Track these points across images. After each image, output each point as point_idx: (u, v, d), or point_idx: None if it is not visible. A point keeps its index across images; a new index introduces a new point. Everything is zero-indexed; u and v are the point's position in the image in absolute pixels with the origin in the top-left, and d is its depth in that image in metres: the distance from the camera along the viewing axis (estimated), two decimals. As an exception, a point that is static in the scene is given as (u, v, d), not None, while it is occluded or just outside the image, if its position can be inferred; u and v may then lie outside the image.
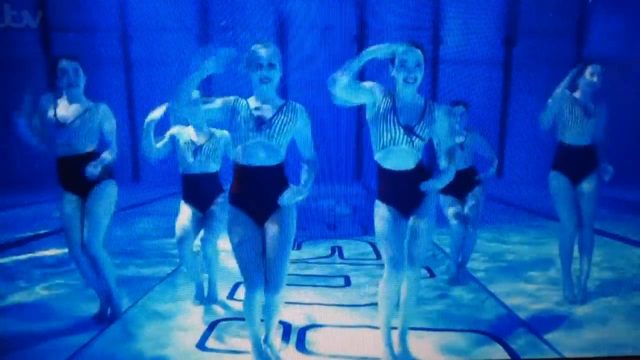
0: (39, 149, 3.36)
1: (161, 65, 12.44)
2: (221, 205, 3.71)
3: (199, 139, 3.70)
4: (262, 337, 2.87)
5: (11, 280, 4.51)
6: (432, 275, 4.65)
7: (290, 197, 2.58)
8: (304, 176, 2.74)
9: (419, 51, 2.62)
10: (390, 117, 2.66)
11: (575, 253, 3.88)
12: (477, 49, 12.91)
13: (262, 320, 2.82)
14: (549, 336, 3.21)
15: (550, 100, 3.73)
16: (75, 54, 3.37)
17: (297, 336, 3.26)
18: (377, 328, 2.96)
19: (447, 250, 4.73)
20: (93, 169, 3.14)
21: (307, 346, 3.12)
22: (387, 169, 2.73)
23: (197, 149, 3.67)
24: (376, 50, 2.55)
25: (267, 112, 2.64)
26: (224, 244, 3.43)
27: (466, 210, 4.27)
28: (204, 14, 12.92)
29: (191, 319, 3.57)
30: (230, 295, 4.07)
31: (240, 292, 4.09)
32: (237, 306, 3.76)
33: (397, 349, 2.86)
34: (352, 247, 5.83)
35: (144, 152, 3.58)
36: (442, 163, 4.04)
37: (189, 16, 12.84)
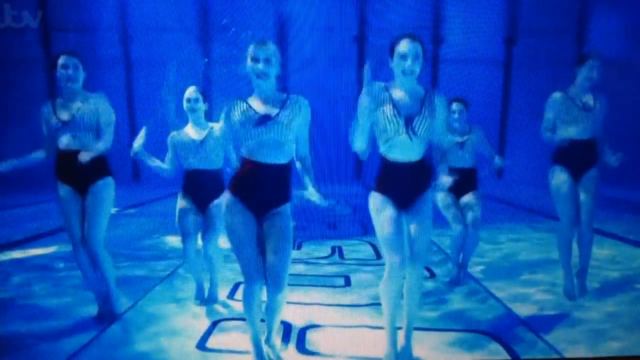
0: (43, 159, 3.40)
1: (161, 65, 12.44)
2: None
3: (198, 135, 3.71)
4: (264, 337, 2.87)
5: (11, 280, 4.51)
6: (432, 275, 4.65)
7: (316, 200, 2.63)
8: (307, 178, 2.74)
9: (417, 43, 2.63)
10: (390, 110, 2.66)
11: (575, 250, 3.88)
12: (478, 48, 12.92)
13: (262, 321, 2.83)
14: (549, 336, 3.21)
15: (545, 111, 3.75)
16: (75, 50, 3.40)
17: (298, 336, 3.26)
18: (377, 328, 2.96)
19: (448, 251, 4.73)
20: (85, 156, 3.20)
21: (307, 346, 3.12)
22: (392, 161, 2.72)
23: (198, 146, 3.68)
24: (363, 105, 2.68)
25: (272, 108, 2.64)
26: (224, 243, 3.43)
27: (466, 212, 4.26)
28: (204, 14, 12.93)
29: (191, 319, 3.57)
30: (231, 295, 4.08)
31: (241, 292, 4.09)
32: (238, 306, 3.76)
33: (399, 348, 2.85)
34: (352, 247, 5.83)
35: (161, 174, 3.74)
36: (450, 159, 4.07)
37: (189, 16, 12.85)
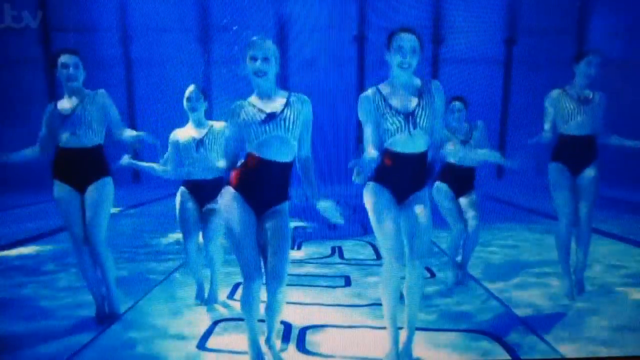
0: (38, 156, 3.41)
1: (161, 65, 12.45)
2: None
3: (199, 133, 3.71)
4: (264, 337, 2.87)
5: (11, 280, 4.51)
6: (432, 275, 4.65)
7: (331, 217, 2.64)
8: (310, 184, 2.73)
9: (414, 37, 2.63)
10: (388, 111, 2.67)
11: (574, 249, 3.89)
12: (478, 48, 12.92)
13: (262, 321, 2.82)
14: (549, 336, 3.21)
15: (545, 109, 3.76)
16: (75, 49, 3.41)
17: (298, 336, 3.26)
18: (377, 328, 2.96)
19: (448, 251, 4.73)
20: (128, 132, 3.42)
21: (307, 346, 3.12)
22: (397, 152, 2.70)
23: (198, 143, 3.68)
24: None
25: (276, 106, 2.64)
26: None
27: (466, 212, 4.26)
28: (204, 14, 12.93)
29: (191, 319, 3.57)
30: (231, 295, 4.08)
31: (241, 292, 4.09)
32: (238, 306, 3.73)
33: (400, 348, 2.85)
34: (352, 247, 5.83)
35: (162, 176, 3.78)
36: (453, 157, 4.03)
37: (189, 17, 12.85)
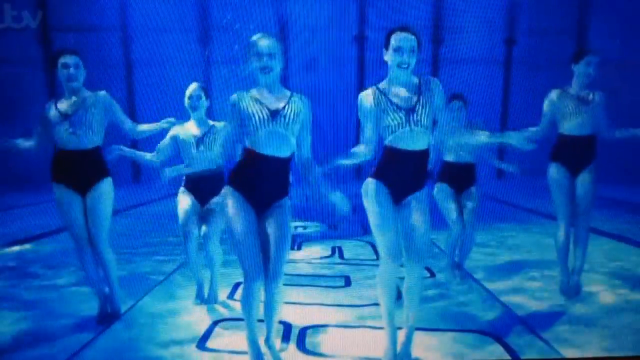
0: (33, 153, 3.41)
1: (161, 65, 12.45)
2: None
3: (199, 131, 3.71)
4: (263, 338, 2.87)
5: (11, 280, 4.51)
6: (432, 275, 4.65)
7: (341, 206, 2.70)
8: (314, 182, 2.74)
9: (413, 37, 2.64)
10: (389, 107, 2.67)
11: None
12: (478, 48, 12.92)
13: (262, 321, 2.83)
14: (548, 336, 3.21)
15: (543, 109, 3.76)
16: (75, 49, 3.41)
17: (298, 336, 3.26)
18: (377, 328, 2.96)
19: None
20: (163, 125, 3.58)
21: (307, 346, 3.12)
22: (399, 149, 2.70)
23: (198, 141, 3.68)
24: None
25: (278, 102, 2.65)
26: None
27: (464, 210, 4.26)
28: (204, 14, 12.93)
29: (191, 318, 3.57)
30: (231, 296, 4.08)
31: (241, 292, 4.09)
32: (238, 306, 3.73)
33: (399, 348, 2.85)
34: (352, 247, 5.83)
35: (151, 165, 3.76)
36: (450, 155, 4.03)
37: (189, 17, 12.85)
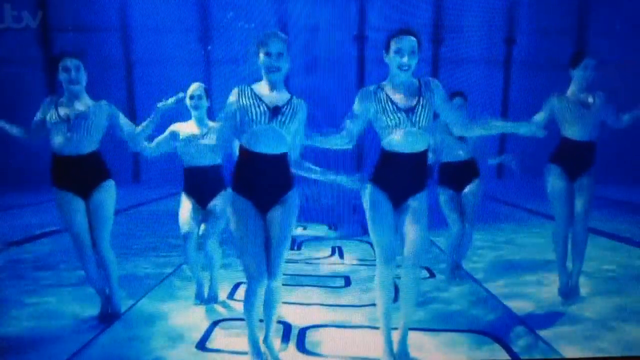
0: (28, 145, 3.41)
1: (162, 65, 12.44)
2: (223, 200, 3.72)
3: (199, 131, 3.71)
4: (262, 338, 2.87)
5: (11, 280, 4.51)
6: (432, 275, 4.65)
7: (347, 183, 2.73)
8: (313, 170, 2.80)
9: (413, 38, 2.64)
10: (389, 107, 2.67)
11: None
12: (478, 48, 12.92)
13: (261, 321, 2.83)
14: (549, 336, 3.21)
15: (543, 106, 3.76)
16: (77, 51, 3.40)
17: (298, 336, 3.26)
18: (377, 328, 2.96)
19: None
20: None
21: (307, 346, 3.12)
22: (395, 152, 2.70)
23: (198, 140, 3.69)
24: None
25: (278, 100, 2.66)
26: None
27: (464, 207, 4.27)
28: (205, 14, 12.92)
29: (191, 319, 3.57)
30: (231, 296, 4.08)
31: (241, 292, 4.10)
32: (238, 306, 3.76)
33: (396, 348, 2.86)
34: (352, 247, 5.83)
35: (143, 152, 3.66)
36: (445, 154, 4.04)
37: (189, 16, 12.85)
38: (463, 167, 4.27)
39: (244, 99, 2.64)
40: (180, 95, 3.53)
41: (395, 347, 2.86)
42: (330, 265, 5.09)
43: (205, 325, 3.45)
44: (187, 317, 3.60)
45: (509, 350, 3.04)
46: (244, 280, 2.74)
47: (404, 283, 2.78)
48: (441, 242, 5.16)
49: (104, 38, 12.63)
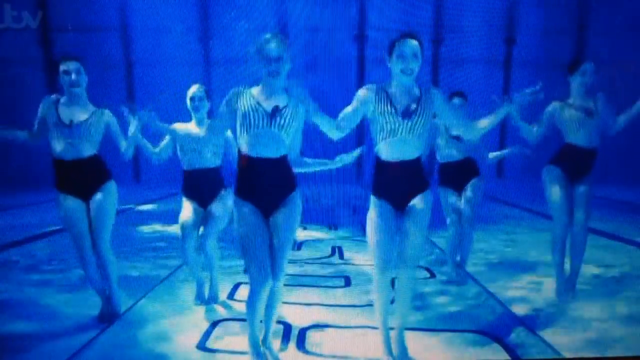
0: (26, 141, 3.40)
1: (162, 65, 12.44)
2: (222, 202, 3.72)
3: (199, 132, 3.71)
4: (261, 338, 2.87)
5: (11, 280, 4.51)
6: (432, 275, 4.65)
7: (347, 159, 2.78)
8: (315, 162, 2.84)
9: (415, 42, 2.63)
10: (388, 109, 2.66)
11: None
12: (478, 47, 12.92)
13: (261, 321, 2.83)
14: (549, 336, 3.21)
15: (542, 116, 3.77)
16: (76, 54, 3.39)
17: (298, 336, 3.26)
18: (377, 328, 2.96)
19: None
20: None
21: (307, 346, 3.12)
22: (387, 161, 2.71)
23: (197, 143, 3.68)
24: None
25: (277, 103, 2.65)
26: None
27: (463, 208, 4.27)
28: (205, 14, 12.92)
29: (192, 319, 3.57)
30: (231, 296, 4.08)
31: (241, 293, 4.10)
32: (238, 306, 3.76)
33: (395, 349, 2.86)
34: (352, 247, 5.83)
35: (150, 159, 3.70)
36: (442, 155, 4.06)
37: (189, 17, 12.84)
38: (463, 167, 4.28)
39: (241, 102, 2.64)
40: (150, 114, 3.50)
41: (394, 347, 2.86)
42: (330, 265, 5.09)
43: (205, 325, 3.45)
44: (187, 317, 3.60)
45: (509, 350, 3.04)
46: (244, 280, 2.74)
47: (400, 283, 2.79)
48: (441, 242, 5.16)
49: (104, 38, 12.63)
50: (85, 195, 3.38)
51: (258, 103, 2.63)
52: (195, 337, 3.23)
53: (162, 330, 3.36)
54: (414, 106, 2.67)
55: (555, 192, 3.78)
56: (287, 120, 2.64)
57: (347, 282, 4.47)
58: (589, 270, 4.45)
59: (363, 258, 5.34)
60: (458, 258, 4.45)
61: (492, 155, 4.45)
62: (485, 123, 2.84)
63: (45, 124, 3.32)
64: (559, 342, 3.13)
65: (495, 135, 12.91)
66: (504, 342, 3.15)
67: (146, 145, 3.65)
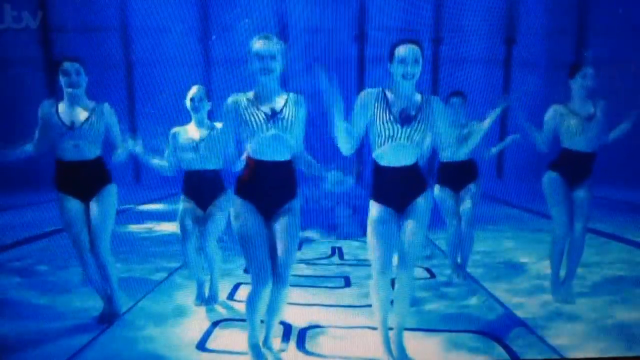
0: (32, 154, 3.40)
1: (162, 65, 12.45)
2: (222, 204, 3.72)
3: (199, 134, 3.71)
4: (262, 338, 2.87)
5: (11, 281, 4.51)
6: (432, 276, 4.65)
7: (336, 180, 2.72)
8: (315, 167, 2.79)
9: (416, 47, 2.63)
10: (387, 115, 2.66)
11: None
12: (478, 47, 12.91)
13: (261, 322, 2.83)
14: (548, 336, 3.22)
15: (544, 124, 3.77)
16: (76, 54, 3.39)
17: (298, 336, 3.26)
18: (377, 329, 2.96)
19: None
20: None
21: (307, 346, 3.12)
22: (385, 166, 2.71)
23: (197, 144, 3.68)
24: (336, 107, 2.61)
25: (275, 104, 2.65)
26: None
27: (462, 209, 4.27)
28: (205, 14, 12.92)
29: (192, 319, 3.57)
30: (231, 296, 4.08)
31: (241, 293, 4.10)
32: (238, 307, 3.76)
33: (394, 349, 2.86)
34: (352, 248, 5.83)
35: (162, 173, 3.74)
36: (445, 154, 4.07)
37: (189, 17, 12.85)
38: (462, 167, 4.28)
39: (240, 110, 2.63)
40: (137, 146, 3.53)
41: (393, 347, 2.86)
42: (330, 265, 5.09)
43: (205, 325, 3.45)
44: (187, 317, 3.60)
45: (509, 350, 3.04)
46: (244, 280, 2.74)
47: (398, 283, 2.79)
48: (442, 242, 5.17)
49: (104, 38, 12.62)
50: (86, 196, 3.39)
51: (257, 107, 2.63)
52: (195, 337, 3.24)
53: (162, 330, 3.36)
54: (413, 113, 2.66)
55: (555, 197, 3.79)
56: (288, 121, 2.63)
57: (347, 283, 4.47)
58: (588, 270, 4.45)
59: (363, 258, 5.34)
60: (459, 259, 4.45)
61: (494, 149, 4.44)
62: (472, 142, 2.87)
63: (45, 129, 3.31)
64: (559, 342, 3.14)
65: (495, 135, 12.91)
66: (504, 342, 3.15)
67: (159, 164, 3.71)
